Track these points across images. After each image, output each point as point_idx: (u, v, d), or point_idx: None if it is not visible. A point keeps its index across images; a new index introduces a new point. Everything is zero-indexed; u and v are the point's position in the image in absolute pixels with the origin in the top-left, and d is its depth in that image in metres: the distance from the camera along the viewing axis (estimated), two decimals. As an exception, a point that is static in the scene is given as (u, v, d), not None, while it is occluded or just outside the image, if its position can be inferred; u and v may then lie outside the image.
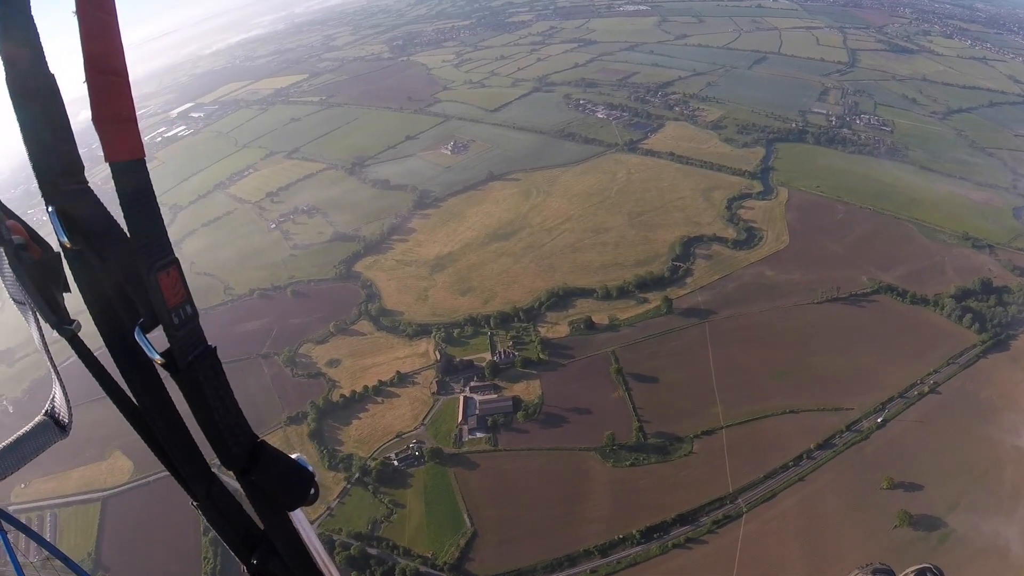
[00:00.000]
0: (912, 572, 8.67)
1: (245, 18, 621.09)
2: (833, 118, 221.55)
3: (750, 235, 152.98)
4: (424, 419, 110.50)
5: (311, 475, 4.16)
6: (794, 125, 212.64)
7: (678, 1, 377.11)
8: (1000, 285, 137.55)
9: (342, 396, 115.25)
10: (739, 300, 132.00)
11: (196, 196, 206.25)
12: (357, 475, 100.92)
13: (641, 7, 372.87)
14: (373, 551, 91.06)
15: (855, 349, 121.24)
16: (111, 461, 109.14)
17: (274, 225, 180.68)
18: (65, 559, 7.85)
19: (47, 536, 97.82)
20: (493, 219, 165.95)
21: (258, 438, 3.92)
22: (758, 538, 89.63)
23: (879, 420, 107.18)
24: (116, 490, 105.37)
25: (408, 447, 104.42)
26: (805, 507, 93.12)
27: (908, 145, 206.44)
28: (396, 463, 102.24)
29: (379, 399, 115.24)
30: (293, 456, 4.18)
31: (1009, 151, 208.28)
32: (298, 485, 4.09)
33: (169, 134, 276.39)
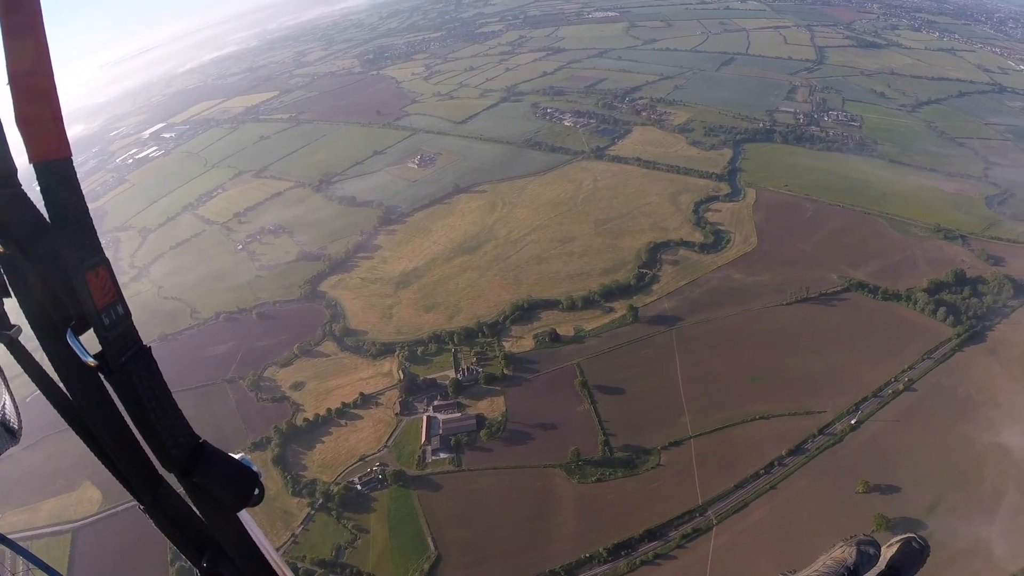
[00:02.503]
0: (897, 542, 8.71)
1: (219, 35, 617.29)
2: (801, 116, 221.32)
3: (718, 238, 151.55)
4: (387, 441, 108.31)
5: (255, 475, 4.06)
6: (762, 125, 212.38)
7: (647, 6, 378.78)
8: (974, 276, 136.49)
9: (306, 420, 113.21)
10: (707, 305, 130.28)
11: (165, 218, 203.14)
12: (321, 500, 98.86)
13: (610, 13, 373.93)
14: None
15: (827, 350, 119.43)
16: (80, 492, 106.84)
17: (241, 246, 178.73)
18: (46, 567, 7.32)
19: (20, 573, 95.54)
20: (459, 232, 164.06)
21: (199, 438, 3.87)
22: (729, 551, 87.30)
23: (853, 422, 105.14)
24: (85, 521, 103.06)
25: (371, 470, 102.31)
26: (778, 516, 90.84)
27: (877, 139, 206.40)
28: (359, 487, 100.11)
29: (343, 422, 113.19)
30: (236, 456, 4.09)
31: (980, 140, 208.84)
32: (242, 485, 4.00)
33: (140, 155, 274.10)
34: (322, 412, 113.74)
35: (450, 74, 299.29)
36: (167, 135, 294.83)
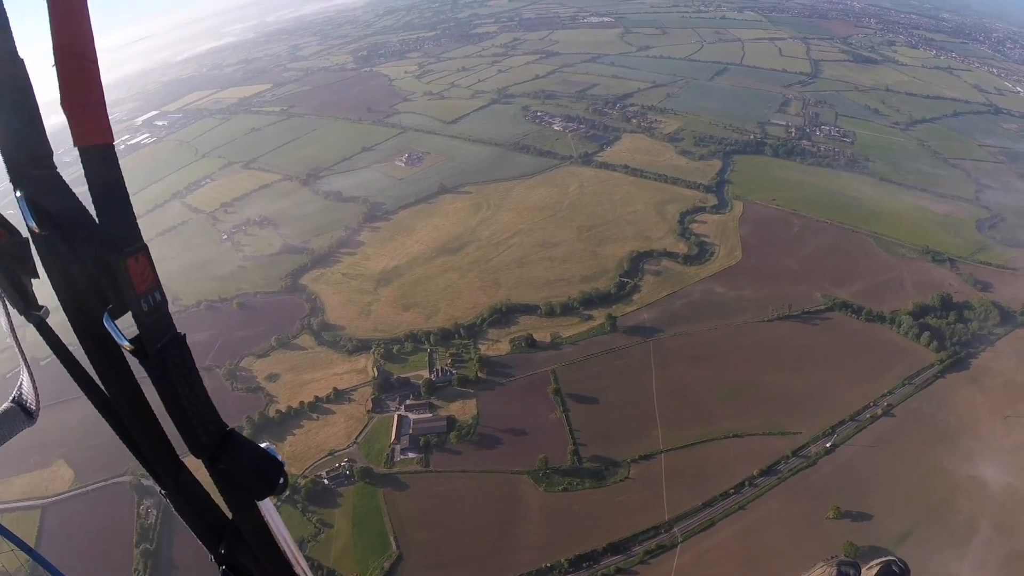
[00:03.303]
0: (877, 564, 7.00)
1: (217, 26, 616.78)
2: (793, 129, 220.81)
3: (702, 250, 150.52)
4: (357, 437, 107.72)
5: (280, 464, 4.11)
6: (753, 137, 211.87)
7: (642, 12, 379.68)
8: (960, 301, 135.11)
9: (279, 412, 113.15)
10: (687, 318, 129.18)
11: (153, 206, 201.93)
12: (287, 493, 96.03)
13: (605, 19, 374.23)
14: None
15: (806, 369, 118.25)
16: (53, 469, 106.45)
17: (226, 236, 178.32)
18: (44, 562, 8.09)
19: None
20: (442, 233, 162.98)
21: (227, 426, 3.95)
22: (693, 570, 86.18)
23: (828, 445, 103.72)
24: (55, 498, 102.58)
25: (339, 465, 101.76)
26: (744, 538, 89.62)
27: (869, 156, 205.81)
28: (326, 481, 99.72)
29: (315, 415, 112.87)
30: (262, 445, 4.14)
31: (973, 161, 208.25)
32: (268, 474, 4.04)
33: (132, 142, 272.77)
34: (295, 405, 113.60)
35: (443, 74, 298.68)
36: (160, 123, 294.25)
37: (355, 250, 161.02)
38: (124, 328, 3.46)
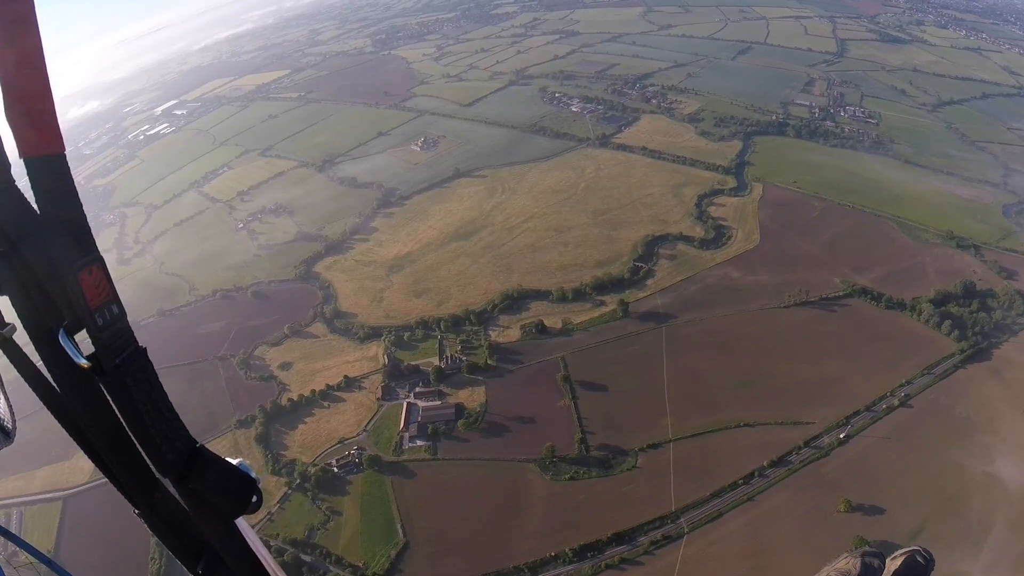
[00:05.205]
0: (901, 555, 8.79)
1: (235, 13, 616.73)
2: (816, 110, 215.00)
3: (719, 234, 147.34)
4: (367, 425, 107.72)
5: (253, 481, 4.05)
6: (775, 117, 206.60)
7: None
8: (984, 288, 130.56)
9: (291, 400, 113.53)
10: (701, 303, 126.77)
11: (171, 195, 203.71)
12: (298, 480, 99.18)
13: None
14: (307, 558, 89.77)
15: (822, 357, 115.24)
16: (74, 461, 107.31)
17: (242, 225, 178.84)
18: (48, 561, 7.59)
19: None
20: (455, 218, 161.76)
21: (196, 443, 3.85)
22: (699, 562, 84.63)
23: (842, 436, 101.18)
24: (76, 490, 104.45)
25: (349, 453, 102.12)
26: (752, 530, 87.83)
27: (894, 138, 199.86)
28: (336, 470, 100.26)
29: (326, 404, 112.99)
30: (234, 461, 4.07)
31: (1001, 145, 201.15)
32: (239, 492, 3.98)
33: (151, 132, 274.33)
34: (307, 393, 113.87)
35: (461, 56, 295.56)
36: (179, 112, 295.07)
37: (369, 237, 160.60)
38: (85, 342, 3.36)
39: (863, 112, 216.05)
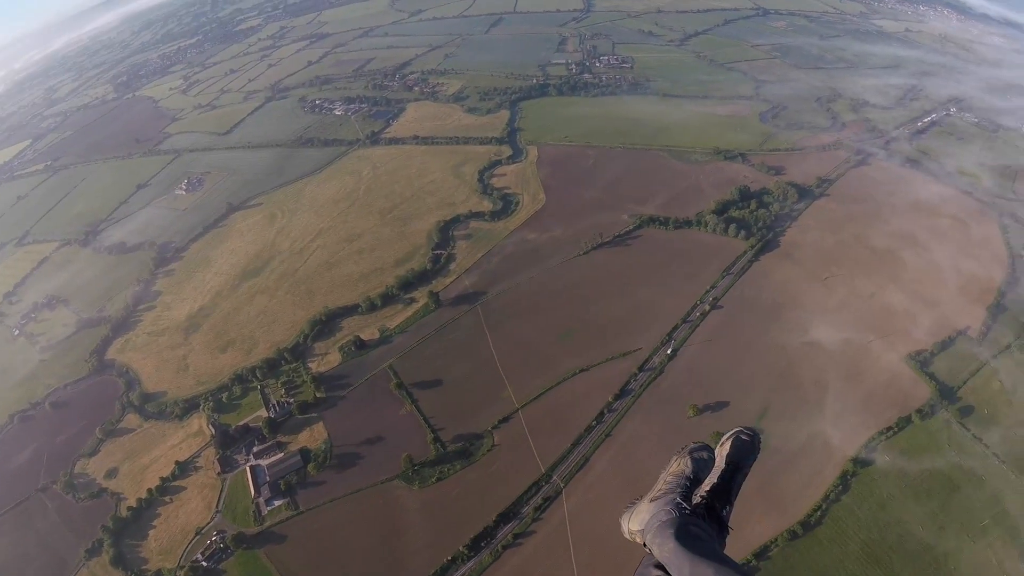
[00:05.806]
0: (727, 439, 9.31)
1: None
2: (573, 66, 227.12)
3: (506, 203, 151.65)
4: (218, 505, 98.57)
5: None
6: (535, 81, 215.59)
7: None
8: (758, 189, 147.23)
9: (130, 508, 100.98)
10: (506, 273, 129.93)
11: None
12: None
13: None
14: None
15: (630, 288, 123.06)
16: None
17: (17, 331, 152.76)
18: None
19: None
20: (240, 256, 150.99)
21: None
22: (583, 510, 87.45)
23: (668, 352, 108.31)
24: None
25: (211, 541, 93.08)
26: (619, 463, 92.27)
27: (649, 77, 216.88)
28: (205, 563, 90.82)
29: (167, 498, 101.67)
30: None
31: (748, 62, 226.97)
32: None
33: None
34: (144, 495, 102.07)
35: (210, 81, 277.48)
36: None
37: (154, 302, 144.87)
38: None
39: (617, 59, 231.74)
